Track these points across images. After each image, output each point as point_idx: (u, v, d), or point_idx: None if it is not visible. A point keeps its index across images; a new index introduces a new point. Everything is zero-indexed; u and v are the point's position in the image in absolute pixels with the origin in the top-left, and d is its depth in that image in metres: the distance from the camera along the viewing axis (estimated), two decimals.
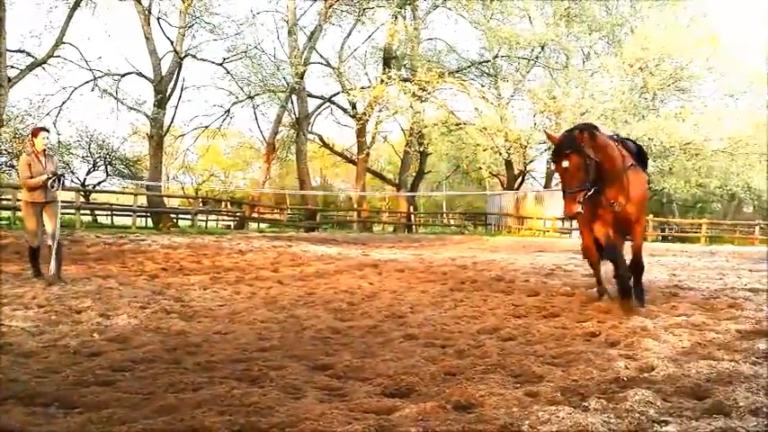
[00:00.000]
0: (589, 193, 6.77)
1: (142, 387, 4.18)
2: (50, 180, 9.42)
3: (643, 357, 4.96)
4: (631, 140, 8.08)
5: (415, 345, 5.72)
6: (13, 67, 28.83)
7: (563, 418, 3.43)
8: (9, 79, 27.49)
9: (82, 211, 25.93)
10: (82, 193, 30.67)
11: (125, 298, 8.13)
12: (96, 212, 35.24)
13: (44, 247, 9.74)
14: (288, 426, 3.39)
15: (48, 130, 10.09)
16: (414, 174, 43.22)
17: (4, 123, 27.61)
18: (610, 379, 4.34)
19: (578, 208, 6.65)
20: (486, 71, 39.43)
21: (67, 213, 25.84)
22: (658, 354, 5.07)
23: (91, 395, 3.94)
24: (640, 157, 7.86)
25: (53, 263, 9.43)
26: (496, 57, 37.91)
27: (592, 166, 6.73)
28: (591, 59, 39.95)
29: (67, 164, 35.57)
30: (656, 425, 3.45)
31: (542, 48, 37.37)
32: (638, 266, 7.59)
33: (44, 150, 9.65)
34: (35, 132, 9.81)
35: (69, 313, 6.95)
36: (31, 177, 9.46)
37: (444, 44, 39.60)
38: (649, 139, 33.26)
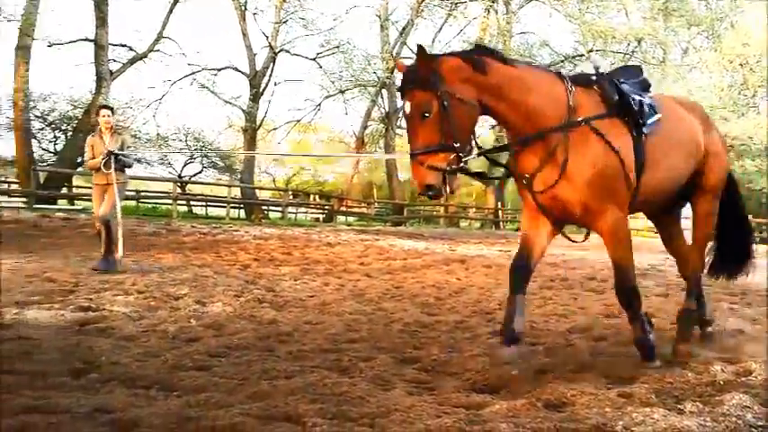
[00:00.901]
0: (468, 158, 4.20)
1: (237, 373, 4.29)
2: (103, 160, 9.07)
3: (741, 361, 4.78)
4: (616, 84, 4.64)
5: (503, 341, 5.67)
6: (114, 60, 30.06)
7: (657, 420, 3.36)
8: (111, 72, 28.62)
9: (178, 202, 26.76)
10: (179, 184, 31.64)
11: (220, 286, 8.36)
12: (192, 203, 36.35)
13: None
14: (378, 416, 3.43)
15: (109, 107, 9.70)
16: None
17: None
18: (706, 382, 4.21)
19: (432, 180, 4.01)
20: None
21: (165, 203, 26.82)
22: (756, 358, 4.89)
23: (189, 379, 4.06)
24: (627, 110, 4.54)
25: (120, 247, 9.26)
26: (591, 51, 37.11)
27: (465, 114, 4.11)
28: (689, 54, 38.66)
29: (165, 155, 36.91)
30: (753, 430, 3.34)
31: (639, 42, 36.40)
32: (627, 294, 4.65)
33: (111, 129, 9.30)
34: (96, 111, 9.45)
35: (167, 300, 7.19)
36: (94, 158, 9.28)
37: (537, 38, 39.10)
38: (749, 137, 32.07)
